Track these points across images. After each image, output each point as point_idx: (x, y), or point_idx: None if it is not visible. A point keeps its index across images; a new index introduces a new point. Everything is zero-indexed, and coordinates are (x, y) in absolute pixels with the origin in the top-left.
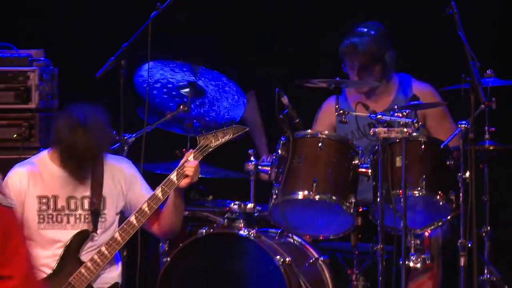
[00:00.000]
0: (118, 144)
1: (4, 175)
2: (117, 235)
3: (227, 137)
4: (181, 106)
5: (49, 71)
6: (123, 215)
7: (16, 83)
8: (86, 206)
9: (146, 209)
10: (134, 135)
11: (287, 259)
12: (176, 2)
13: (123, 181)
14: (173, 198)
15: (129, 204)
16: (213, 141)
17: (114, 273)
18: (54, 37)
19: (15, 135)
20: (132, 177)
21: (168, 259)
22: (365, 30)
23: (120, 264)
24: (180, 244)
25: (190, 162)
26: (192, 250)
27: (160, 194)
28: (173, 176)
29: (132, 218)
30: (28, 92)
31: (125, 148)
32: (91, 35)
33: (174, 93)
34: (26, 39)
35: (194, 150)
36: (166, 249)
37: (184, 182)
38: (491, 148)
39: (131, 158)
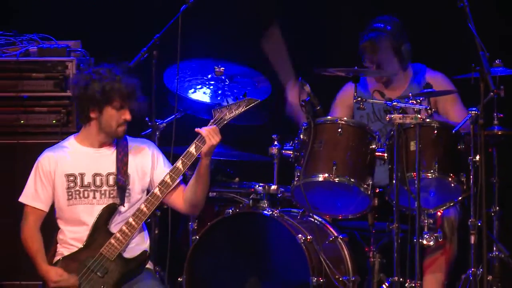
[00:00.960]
0: (150, 130)
1: None
2: (143, 206)
3: (240, 109)
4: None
5: (86, 61)
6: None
7: (55, 72)
8: (111, 182)
9: (168, 180)
10: (165, 121)
11: (308, 237)
12: None
13: (146, 159)
14: (197, 168)
15: (153, 180)
16: (227, 113)
17: (142, 243)
18: (91, 29)
19: (54, 121)
20: (155, 156)
21: (197, 237)
22: (382, 26)
23: (147, 234)
24: (208, 223)
25: (207, 127)
26: (219, 229)
27: (180, 166)
28: (192, 148)
29: (156, 190)
30: (66, 81)
31: (157, 133)
32: (126, 27)
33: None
34: (64, 31)
35: (210, 123)
36: (195, 227)
37: (203, 149)
38: (500, 133)
39: (163, 142)
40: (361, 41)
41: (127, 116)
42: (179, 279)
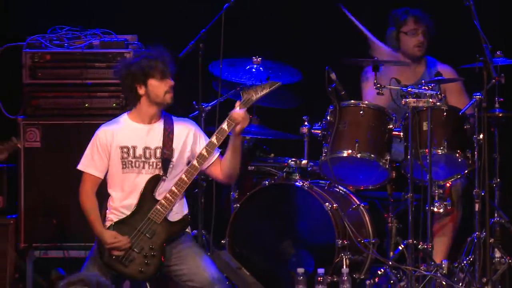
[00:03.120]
0: (197, 112)
1: None
2: (183, 176)
3: (265, 91)
4: (254, 59)
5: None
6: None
7: (115, 62)
8: (158, 155)
9: (205, 153)
10: (210, 104)
11: (334, 205)
12: None
13: (188, 136)
14: (231, 142)
15: (193, 154)
16: (254, 94)
17: (184, 208)
18: (146, 25)
19: (114, 104)
20: (196, 133)
21: (238, 205)
22: (422, 14)
23: (186, 201)
24: (247, 193)
25: (237, 111)
26: (257, 198)
27: (215, 140)
28: (224, 125)
29: (195, 162)
30: (115, 68)
31: (203, 115)
32: (176, 23)
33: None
34: (123, 26)
35: (240, 103)
36: (236, 196)
37: (236, 129)
38: (500, 115)
39: (208, 122)
40: (405, 15)
41: (170, 82)
42: (222, 241)
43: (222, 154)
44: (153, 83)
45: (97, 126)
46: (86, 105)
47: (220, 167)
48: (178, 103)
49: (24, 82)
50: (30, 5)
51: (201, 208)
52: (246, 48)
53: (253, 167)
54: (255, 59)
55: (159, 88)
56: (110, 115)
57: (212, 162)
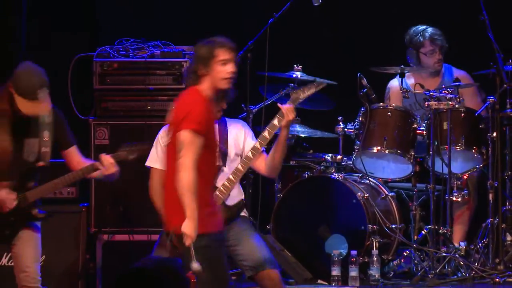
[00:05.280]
0: (245, 113)
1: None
2: (239, 166)
3: (311, 90)
4: (296, 67)
5: None
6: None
7: (174, 70)
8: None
9: (258, 145)
10: (257, 106)
11: (365, 195)
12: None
13: (240, 133)
14: (277, 138)
15: (244, 148)
16: (301, 94)
17: (240, 194)
18: (202, 37)
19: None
20: (246, 132)
21: (281, 194)
22: (438, 32)
23: (242, 188)
24: (290, 184)
25: (287, 105)
26: (298, 189)
27: (266, 134)
28: (275, 121)
29: (249, 153)
30: (182, 76)
31: (250, 116)
32: (227, 34)
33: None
34: (181, 38)
35: (288, 101)
36: (279, 187)
37: (283, 123)
38: None
39: (255, 122)
40: (421, 37)
41: (223, 105)
42: (267, 226)
43: (267, 152)
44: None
45: (158, 125)
46: (148, 107)
47: (265, 161)
48: (230, 105)
49: (95, 87)
50: (100, 20)
51: (249, 197)
52: (289, 57)
53: (294, 162)
54: (296, 67)
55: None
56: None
57: (259, 156)
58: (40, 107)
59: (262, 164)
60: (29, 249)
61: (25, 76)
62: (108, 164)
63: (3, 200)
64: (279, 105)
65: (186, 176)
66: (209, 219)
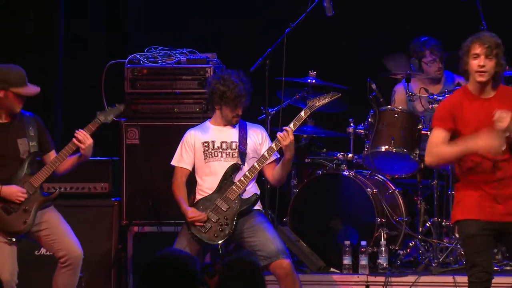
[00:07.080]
0: (264, 115)
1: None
2: (256, 164)
3: (326, 99)
4: (310, 73)
5: (220, 67)
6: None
7: (198, 75)
8: (234, 147)
9: (274, 146)
10: (274, 109)
11: (374, 190)
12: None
13: (258, 136)
14: (283, 158)
15: (260, 150)
16: (317, 102)
17: (255, 189)
18: (224, 45)
19: (197, 109)
20: (264, 136)
21: (297, 190)
22: (439, 43)
23: (256, 185)
24: (305, 181)
25: (281, 133)
26: (312, 184)
27: (273, 146)
28: (273, 144)
29: (265, 153)
30: (206, 81)
31: (269, 118)
32: (247, 43)
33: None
34: (205, 46)
35: (305, 109)
36: (295, 183)
37: (282, 146)
38: None
39: (273, 124)
40: (422, 48)
41: (239, 112)
42: (284, 219)
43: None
44: (225, 109)
45: (184, 127)
46: (175, 110)
47: (272, 172)
48: (249, 107)
49: (126, 91)
50: (131, 29)
51: (268, 192)
52: (304, 64)
53: (309, 160)
54: (311, 73)
55: (229, 113)
56: (194, 118)
57: (269, 163)
58: (32, 88)
59: (270, 173)
60: (58, 227)
61: (9, 69)
62: (82, 137)
63: (15, 192)
64: (277, 134)
65: None
66: None
